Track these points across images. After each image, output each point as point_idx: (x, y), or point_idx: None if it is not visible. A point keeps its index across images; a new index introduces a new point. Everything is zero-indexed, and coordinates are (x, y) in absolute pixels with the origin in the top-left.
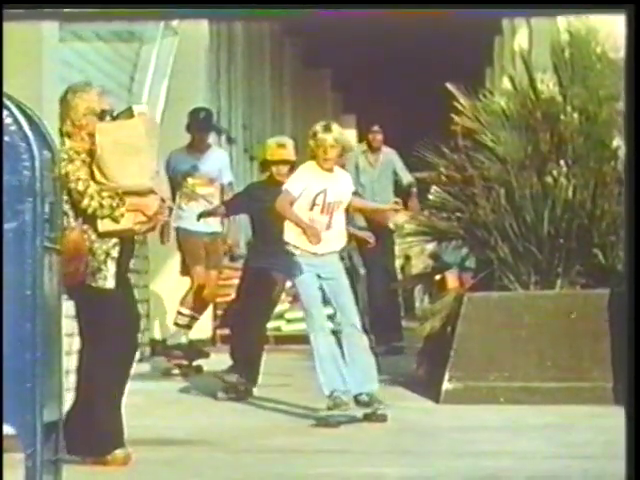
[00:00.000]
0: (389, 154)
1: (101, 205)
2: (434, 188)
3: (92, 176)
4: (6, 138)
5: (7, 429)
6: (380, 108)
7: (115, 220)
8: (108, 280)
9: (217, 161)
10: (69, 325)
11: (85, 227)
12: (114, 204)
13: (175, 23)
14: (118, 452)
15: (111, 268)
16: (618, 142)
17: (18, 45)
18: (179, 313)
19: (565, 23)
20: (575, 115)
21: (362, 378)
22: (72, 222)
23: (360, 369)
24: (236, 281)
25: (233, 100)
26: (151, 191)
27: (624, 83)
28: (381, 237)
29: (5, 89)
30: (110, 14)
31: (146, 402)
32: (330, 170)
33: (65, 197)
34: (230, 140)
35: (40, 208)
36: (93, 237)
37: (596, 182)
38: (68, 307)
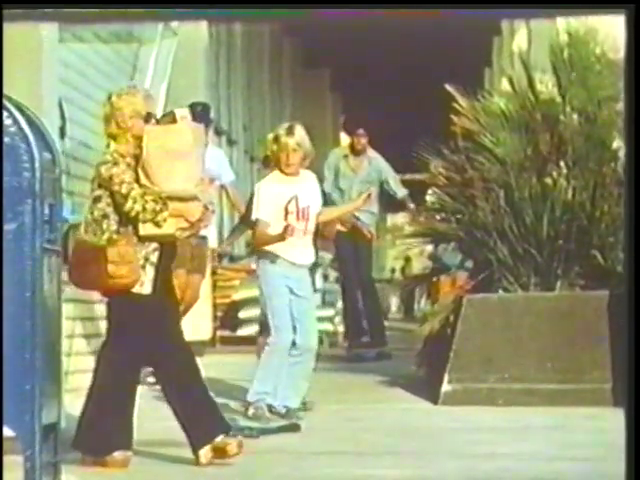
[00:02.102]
0: (376, 160)
1: (144, 209)
2: (432, 189)
3: (136, 179)
4: (6, 139)
5: (6, 431)
6: (379, 109)
7: (157, 225)
8: (145, 285)
9: (215, 160)
10: (69, 326)
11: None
12: (157, 208)
13: (174, 24)
14: (117, 454)
15: (149, 273)
16: (618, 143)
17: (18, 46)
18: None
19: (564, 24)
20: (575, 116)
21: (289, 395)
22: (113, 225)
23: (293, 389)
24: (237, 282)
25: (232, 101)
26: (195, 197)
27: (624, 84)
28: (360, 242)
29: (5, 90)
30: (109, 15)
31: (146, 402)
32: (295, 174)
33: (108, 200)
34: (230, 142)
35: (40, 209)
36: (134, 241)
37: (596, 183)
38: (68, 308)
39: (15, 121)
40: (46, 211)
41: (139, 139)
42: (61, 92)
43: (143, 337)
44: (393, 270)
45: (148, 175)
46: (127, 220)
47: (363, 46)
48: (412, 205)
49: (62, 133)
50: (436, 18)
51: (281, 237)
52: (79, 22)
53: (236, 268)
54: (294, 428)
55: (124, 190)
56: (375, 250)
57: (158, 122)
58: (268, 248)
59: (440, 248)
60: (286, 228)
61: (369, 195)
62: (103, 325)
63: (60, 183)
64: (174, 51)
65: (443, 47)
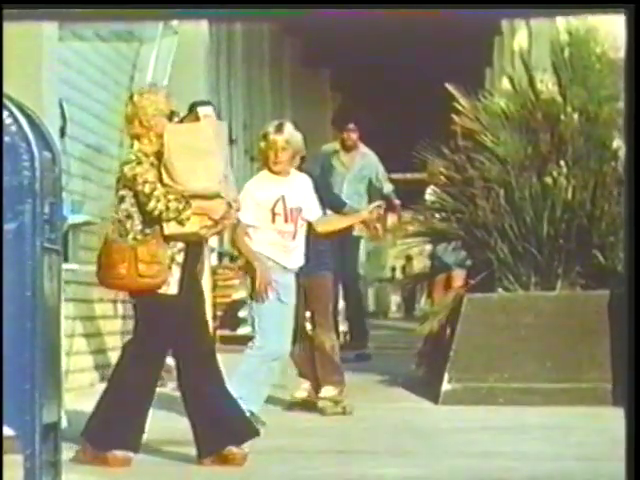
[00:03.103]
0: (368, 156)
1: (167, 208)
2: (431, 188)
3: (160, 178)
4: (6, 138)
5: (6, 430)
6: (379, 108)
7: (180, 223)
8: (171, 286)
9: None
10: (69, 326)
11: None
12: (180, 207)
13: (175, 23)
14: (119, 453)
15: (175, 274)
16: (618, 143)
17: (18, 45)
18: None
19: (564, 23)
20: (575, 115)
21: (253, 399)
22: (137, 225)
23: (257, 393)
24: (236, 282)
25: (233, 100)
26: (218, 195)
27: (624, 83)
28: (345, 243)
29: (5, 89)
30: (110, 14)
31: None
32: (284, 173)
33: (132, 200)
34: (230, 141)
35: (40, 209)
36: (162, 241)
37: (596, 183)
38: (67, 308)
39: (15, 120)
40: (46, 210)
41: (162, 138)
42: (61, 91)
43: (168, 338)
44: (393, 269)
45: (170, 174)
46: (151, 220)
47: (363, 46)
48: (397, 201)
49: (62, 132)
50: (436, 18)
51: (254, 261)
52: (79, 21)
53: (236, 268)
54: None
55: (147, 189)
56: (375, 249)
57: (182, 120)
58: (261, 251)
59: (440, 247)
60: (262, 284)
61: (379, 206)
62: (103, 324)
63: (60, 182)
64: (174, 50)
65: (443, 47)
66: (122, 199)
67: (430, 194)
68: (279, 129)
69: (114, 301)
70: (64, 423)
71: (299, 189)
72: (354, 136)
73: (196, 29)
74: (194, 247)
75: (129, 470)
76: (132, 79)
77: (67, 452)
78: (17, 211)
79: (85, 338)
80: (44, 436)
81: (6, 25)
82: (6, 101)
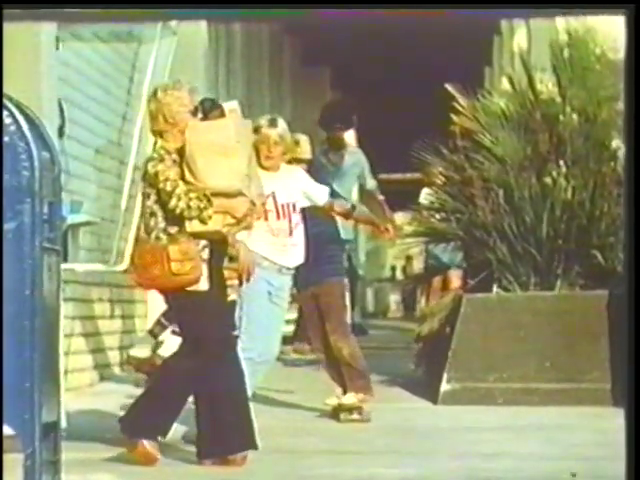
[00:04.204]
0: (356, 154)
1: (188, 206)
2: (426, 192)
3: (182, 175)
4: (5, 138)
5: (6, 429)
6: (379, 107)
7: (203, 221)
8: (201, 282)
9: None
10: (68, 325)
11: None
12: (202, 205)
13: (174, 23)
14: (147, 444)
15: (203, 271)
16: (617, 143)
17: (17, 45)
18: (159, 324)
19: (564, 23)
20: (574, 116)
21: None
22: (160, 222)
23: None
24: (236, 282)
25: (232, 99)
26: (240, 193)
27: (624, 84)
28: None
29: (4, 89)
30: (109, 14)
31: None
32: (274, 169)
33: (155, 197)
34: None
35: (39, 208)
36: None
37: (595, 183)
38: (67, 307)
39: (14, 120)
40: (45, 210)
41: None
42: (60, 91)
43: (203, 333)
44: (393, 268)
45: (192, 171)
46: (173, 218)
47: (363, 45)
48: (381, 197)
49: (61, 132)
50: (436, 18)
51: (235, 243)
52: (79, 21)
53: (236, 268)
54: None
55: (169, 187)
56: (374, 249)
57: (207, 116)
58: (256, 250)
59: (439, 247)
60: (245, 264)
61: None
62: (102, 324)
63: (59, 182)
64: (173, 50)
65: (443, 46)
66: (147, 197)
67: (425, 198)
68: (272, 123)
69: (113, 301)
70: (64, 422)
71: (291, 184)
72: (341, 135)
73: (195, 29)
74: (218, 244)
75: (129, 470)
76: (131, 79)
77: (66, 452)
78: (16, 211)
79: (84, 337)
80: (44, 435)
81: (5, 26)
82: (5, 101)
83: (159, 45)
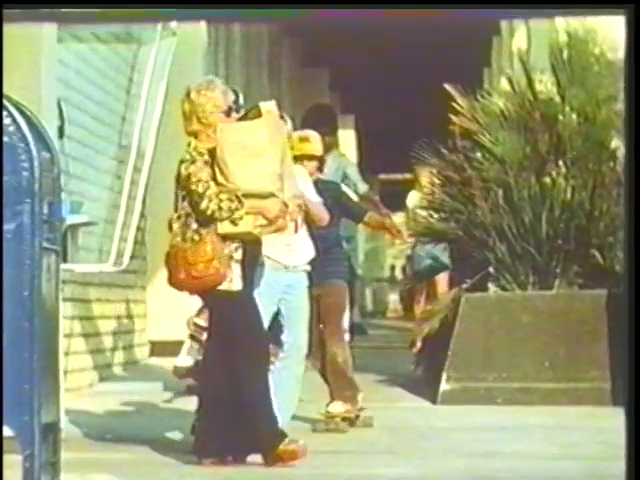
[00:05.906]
0: (341, 157)
1: (220, 207)
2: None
3: (214, 177)
4: (5, 139)
5: (5, 430)
6: (378, 108)
7: (234, 223)
8: (234, 282)
9: None
10: (67, 326)
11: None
12: (233, 207)
13: (173, 24)
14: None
15: (236, 270)
16: (617, 143)
17: (17, 46)
18: (195, 325)
19: (563, 24)
20: (573, 116)
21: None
22: (193, 224)
23: (281, 400)
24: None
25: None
26: (272, 194)
27: (624, 84)
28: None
29: (4, 90)
30: (109, 15)
31: (146, 402)
32: None
33: (188, 198)
34: None
35: (39, 209)
36: (215, 239)
37: (594, 183)
38: (66, 308)
39: (14, 120)
40: (45, 210)
41: None
42: (60, 92)
43: (238, 334)
44: (393, 268)
45: (224, 172)
46: (204, 219)
47: (363, 45)
48: (376, 197)
49: (61, 132)
50: (435, 18)
51: None
52: (79, 22)
53: None
54: None
55: (200, 189)
56: (373, 249)
57: (244, 116)
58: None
59: (439, 247)
60: None
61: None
62: (101, 324)
63: (59, 182)
64: (173, 51)
65: (443, 47)
66: (180, 198)
67: (411, 201)
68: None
69: (112, 301)
70: (63, 423)
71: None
72: (326, 139)
73: (194, 30)
74: (251, 244)
75: (129, 470)
76: (131, 80)
77: (66, 452)
78: (16, 211)
79: (83, 338)
80: (43, 436)
81: (6, 25)
82: (5, 101)
83: (159, 46)
